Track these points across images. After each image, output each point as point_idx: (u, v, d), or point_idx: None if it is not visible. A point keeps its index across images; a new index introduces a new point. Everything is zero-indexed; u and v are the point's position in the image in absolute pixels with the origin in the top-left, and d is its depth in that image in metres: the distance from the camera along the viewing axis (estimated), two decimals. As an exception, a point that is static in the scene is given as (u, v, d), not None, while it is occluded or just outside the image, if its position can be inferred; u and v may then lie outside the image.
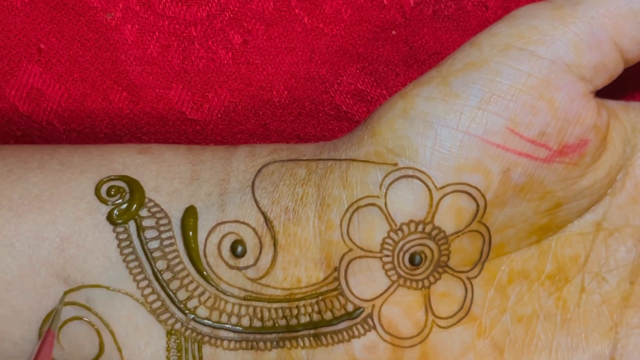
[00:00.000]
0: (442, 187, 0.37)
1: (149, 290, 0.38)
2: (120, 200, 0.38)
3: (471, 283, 0.38)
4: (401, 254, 0.38)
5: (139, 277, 0.38)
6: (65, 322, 0.38)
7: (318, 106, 0.45)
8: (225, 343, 0.38)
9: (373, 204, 0.37)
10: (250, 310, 0.38)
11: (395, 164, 0.37)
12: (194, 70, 0.43)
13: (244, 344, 0.38)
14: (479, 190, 0.37)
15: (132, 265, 0.38)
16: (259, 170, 0.39)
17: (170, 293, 0.38)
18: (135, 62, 0.43)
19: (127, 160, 0.39)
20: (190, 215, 0.38)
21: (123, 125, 0.44)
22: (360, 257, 0.38)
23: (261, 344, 0.38)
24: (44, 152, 0.40)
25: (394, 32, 0.44)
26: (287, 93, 0.44)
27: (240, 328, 0.38)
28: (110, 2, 0.42)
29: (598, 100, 0.38)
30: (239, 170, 0.39)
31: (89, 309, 0.38)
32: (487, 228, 0.38)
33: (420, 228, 0.37)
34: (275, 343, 0.38)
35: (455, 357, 0.38)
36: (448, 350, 0.38)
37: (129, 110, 0.44)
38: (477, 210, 0.37)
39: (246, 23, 0.43)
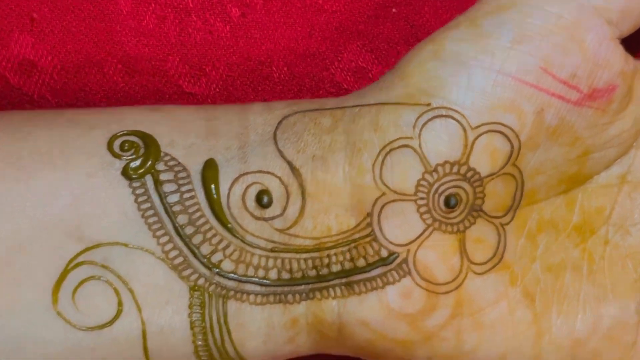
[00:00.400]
0: (477, 127, 0.36)
1: (170, 245, 0.36)
2: (134, 155, 0.36)
3: (504, 229, 0.38)
4: (436, 196, 0.37)
5: (158, 233, 0.36)
6: (81, 282, 0.35)
7: (318, 83, 0.44)
8: (251, 297, 0.36)
9: (407, 145, 0.36)
10: (278, 262, 0.36)
11: (429, 104, 0.36)
12: (190, 43, 0.42)
13: (271, 298, 0.36)
14: (513, 130, 0.37)
15: (151, 220, 0.36)
16: (280, 122, 0.37)
17: (193, 247, 0.36)
18: (131, 33, 0.42)
19: (138, 117, 0.37)
20: (210, 167, 0.36)
21: (118, 99, 0.42)
22: (393, 200, 0.36)
23: (289, 297, 0.36)
24: (50, 112, 0.38)
25: (394, 10, 0.44)
26: (286, 69, 0.43)
27: (267, 281, 0.36)
28: (105, -28, 0.41)
29: (623, 49, 0.38)
30: (257, 124, 0.37)
31: (106, 267, 0.36)
32: (520, 172, 0.37)
33: (455, 169, 0.36)
34: (304, 295, 0.36)
35: (488, 304, 0.37)
36: (482, 297, 0.37)
37: (124, 84, 0.42)
38: (512, 152, 0.37)
39: (245, -5, 0.42)
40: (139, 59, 0.42)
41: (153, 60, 0.42)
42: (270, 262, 0.36)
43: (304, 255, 0.36)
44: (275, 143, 0.37)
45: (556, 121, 0.37)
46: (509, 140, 0.37)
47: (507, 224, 0.38)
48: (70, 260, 0.35)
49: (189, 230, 0.36)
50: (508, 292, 0.37)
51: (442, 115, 0.36)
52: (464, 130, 0.36)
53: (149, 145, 0.37)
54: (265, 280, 0.36)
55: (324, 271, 0.36)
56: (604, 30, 0.37)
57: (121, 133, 0.37)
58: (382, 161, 0.36)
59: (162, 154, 0.37)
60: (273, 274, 0.36)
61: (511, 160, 0.37)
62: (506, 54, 0.36)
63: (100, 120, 0.37)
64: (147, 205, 0.36)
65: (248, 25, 0.42)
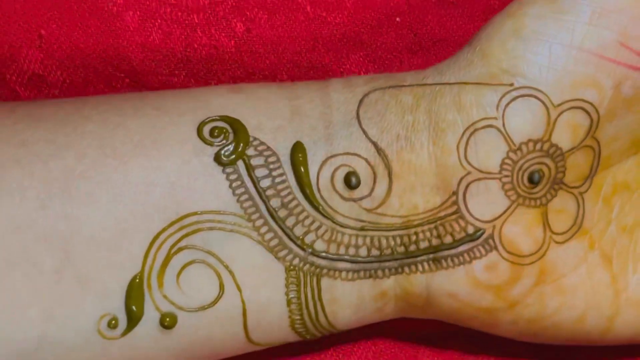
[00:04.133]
0: (559, 105, 0.37)
1: (265, 228, 0.38)
2: (225, 141, 0.38)
3: (582, 198, 0.39)
4: (520, 173, 0.38)
5: (254, 217, 0.37)
6: (184, 265, 0.37)
7: (321, 95, 0.45)
8: (343, 274, 0.38)
9: (491, 126, 0.37)
10: (368, 240, 0.38)
11: (511, 84, 0.37)
12: (196, 58, 0.43)
13: (361, 274, 0.38)
14: (593, 105, 0.38)
15: (246, 205, 0.37)
16: (361, 100, 0.38)
17: (287, 230, 0.38)
18: (138, 49, 0.43)
19: (222, 101, 0.39)
20: (298, 150, 0.38)
21: (125, 113, 0.44)
22: (479, 179, 0.38)
23: (379, 272, 0.38)
24: (134, 99, 0.39)
25: (398, 19, 0.44)
26: (290, 82, 0.44)
27: (358, 258, 0.38)
28: (112, -12, 0.42)
29: None
30: (339, 102, 0.39)
31: (206, 251, 0.37)
32: (598, 142, 0.39)
33: (538, 146, 0.38)
34: (393, 270, 0.38)
35: (569, 270, 0.39)
36: (563, 264, 0.39)
37: (131, 98, 0.44)
38: (591, 126, 0.38)
39: (249, 11, 0.43)
40: (146, 74, 0.43)
41: (160, 75, 0.43)
42: (360, 241, 0.38)
43: (392, 233, 0.38)
44: (359, 122, 0.38)
45: (632, 91, 0.38)
46: (589, 114, 0.38)
47: (585, 192, 0.39)
48: (173, 245, 0.37)
49: (282, 213, 0.38)
50: (587, 256, 0.39)
51: (525, 95, 0.37)
52: (547, 108, 0.37)
53: (238, 131, 0.38)
54: (356, 258, 0.38)
55: (412, 247, 0.38)
56: None
57: (210, 119, 0.38)
58: (467, 141, 0.38)
59: (251, 139, 0.38)
60: (363, 252, 0.38)
61: (590, 133, 0.38)
62: (585, 30, 0.37)
63: (186, 107, 0.38)
64: (242, 190, 0.37)
65: (252, 40, 0.43)
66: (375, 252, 0.38)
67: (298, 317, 0.38)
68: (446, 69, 0.39)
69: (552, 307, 0.39)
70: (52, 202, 0.37)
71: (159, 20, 0.42)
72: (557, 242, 0.39)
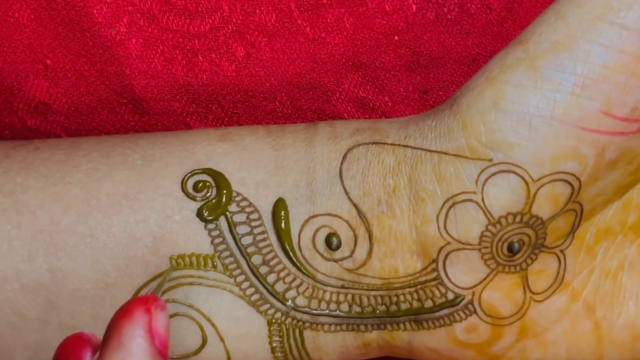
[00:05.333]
0: (539, 179, 0.37)
1: (246, 284, 0.38)
2: (208, 194, 0.38)
3: (564, 254, 0.39)
4: (500, 244, 0.38)
5: (235, 272, 0.38)
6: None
7: (320, 115, 0.45)
8: (325, 327, 0.39)
9: (470, 200, 0.38)
10: (349, 297, 0.39)
11: (490, 159, 0.37)
12: (197, 83, 0.44)
13: (344, 327, 0.39)
14: (575, 175, 0.37)
15: (227, 261, 0.38)
16: (345, 156, 0.39)
17: (268, 286, 0.38)
18: (140, 75, 0.44)
19: (208, 150, 0.39)
20: (280, 208, 0.38)
21: (129, 138, 0.45)
22: (458, 249, 0.38)
23: (362, 327, 0.39)
24: (124, 145, 0.40)
25: (396, 38, 0.45)
26: (289, 103, 0.45)
27: (340, 313, 0.39)
28: (114, 17, 0.43)
29: None
30: (323, 156, 0.39)
31: (188, 305, 0.38)
32: (581, 204, 0.38)
33: (518, 219, 0.38)
34: (376, 326, 0.39)
35: (551, 323, 0.39)
36: (545, 319, 0.39)
37: (134, 122, 0.45)
38: (572, 193, 0.38)
39: (249, 35, 0.44)
40: (149, 100, 0.44)
41: (162, 101, 0.44)
42: (342, 297, 0.39)
43: (374, 293, 0.39)
44: (342, 181, 0.39)
45: (616, 154, 0.37)
46: (570, 184, 0.37)
47: (567, 248, 0.39)
48: None
49: (263, 269, 0.39)
50: (569, 308, 0.39)
51: (504, 171, 0.37)
52: (526, 183, 0.37)
53: (221, 186, 0.39)
54: (338, 312, 0.39)
55: (393, 308, 0.39)
56: None
57: (192, 172, 0.39)
58: (446, 213, 0.38)
59: (234, 194, 0.39)
60: (345, 307, 0.39)
61: (572, 199, 0.38)
62: (567, 101, 0.36)
63: (172, 157, 0.39)
64: (223, 247, 0.38)
65: (253, 63, 0.44)
66: (356, 308, 0.39)
67: None
68: (427, 130, 0.39)
69: (534, 358, 0.39)
70: (37, 254, 0.38)
71: (161, 47, 0.43)
72: (537, 301, 0.39)
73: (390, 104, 0.45)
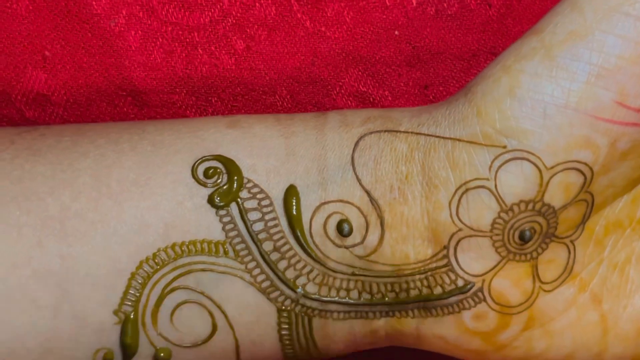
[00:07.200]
0: (552, 167, 0.37)
1: (257, 270, 0.38)
2: (219, 181, 0.38)
3: (574, 245, 0.39)
4: (511, 231, 0.38)
5: (246, 259, 0.38)
6: (178, 305, 0.38)
7: (320, 109, 0.45)
8: (334, 314, 0.39)
9: (483, 186, 0.38)
10: (359, 284, 0.39)
11: (504, 146, 0.37)
12: (197, 76, 0.44)
13: (352, 314, 0.39)
14: (587, 164, 0.37)
15: (238, 247, 0.38)
16: (356, 143, 0.39)
17: (279, 273, 0.38)
18: (140, 68, 0.43)
19: (218, 137, 0.39)
20: (291, 195, 0.38)
21: (128, 130, 0.45)
22: (469, 236, 0.38)
23: (370, 314, 0.39)
24: (131, 131, 0.39)
25: (396, 33, 0.45)
26: (289, 97, 0.45)
27: (350, 300, 0.39)
28: (113, 9, 0.43)
29: None
30: (334, 143, 0.39)
31: (199, 292, 0.38)
32: (592, 195, 0.38)
33: (530, 207, 0.38)
34: (384, 313, 0.39)
35: (558, 313, 0.39)
36: (552, 309, 0.39)
37: (134, 115, 0.44)
38: (585, 183, 0.38)
39: (249, 29, 0.43)
40: (148, 92, 0.44)
41: (161, 93, 0.44)
42: (352, 284, 0.39)
43: (384, 280, 0.39)
44: (354, 168, 0.38)
45: (629, 145, 0.37)
46: (582, 173, 0.37)
47: (577, 239, 0.39)
48: (166, 285, 0.38)
49: (274, 256, 0.38)
50: (577, 299, 0.39)
51: (517, 158, 0.37)
52: (540, 171, 0.37)
53: (232, 172, 0.38)
54: (347, 299, 0.39)
55: (403, 295, 0.39)
56: None
57: (203, 159, 0.38)
58: (459, 199, 0.38)
59: (244, 180, 0.38)
60: (354, 294, 0.39)
61: (584, 189, 0.38)
62: (582, 90, 0.36)
63: (182, 143, 0.39)
64: (234, 233, 0.38)
65: (252, 56, 0.44)
66: (366, 295, 0.39)
67: (290, 351, 0.39)
68: (440, 117, 0.39)
69: (540, 348, 0.39)
70: (48, 240, 0.37)
71: (160, 39, 0.43)
72: (546, 291, 0.39)
73: (390, 98, 0.45)
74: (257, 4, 0.43)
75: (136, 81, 0.44)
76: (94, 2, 0.43)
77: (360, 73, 0.45)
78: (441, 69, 0.45)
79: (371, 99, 0.45)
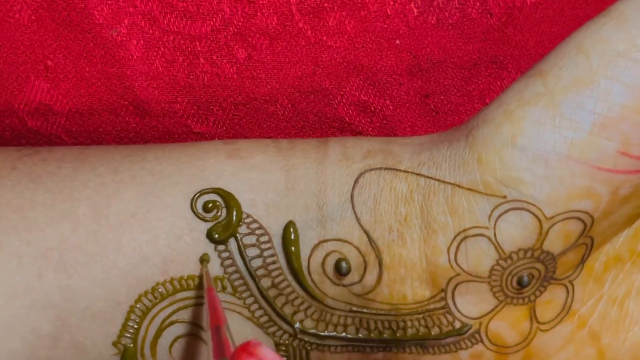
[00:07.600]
0: (552, 217, 0.37)
1: (255, 306, 0.38)
2: (218, 214, 0.38)
3: (572, 284, 0.39)
4: (509, 277, 0.38)
5: (244, 295, 0.38)
6: (176, 338, 0.38)
7: (322, 119, 0.45)
8: (332, 349, 0.39)
9: (482, 235, 0.37)
10: (357, 320, 0.39)
11: (504, 196, 0.37)
12: (199, 85, 0.44)
13: (350, 348, 0.39)
14: (588, 213, 0.37)
15: (237, 283, 0.38)
16: (356, 180, 0.39)
17: (277, 308, 0.38)
18: (141, 77, 0.44)
19: (217, 169, 0.39)
20: (290, 231, 0.38)
21: (130, 139, 0.45)
22: (467, 281, 0.38)
23: (367, 349, 0.39)
24: (132, 159, 0.39)
25: (397, 42, 0.45)
26: (291, 106, 0.45)
27: (347, 335, 0.39)
28: (115, 19, 0.43)
29: None
30: (334, 179, 0.39)
31: (199, 326, 0.38)
32: (592, 238, 0.38)
33: (529, 254, 0.38)
34: (382, 348, 0.39)
35: (556, 351, 0.39)
36: (549, 346, 0.39)
37: (135, 124, 0.44)
38: (584, 229, 0.37)
39: (250, 38, 0.44)
40: (150, 101, 0.44)
41: (163, 103, 0.44)
42: (349, 320, 0.39)
43: (381, 317, 0.39)
44: (353, 206, 0.38)
45: (630, 191, 0.37)
46: (583, 221, 0.37)
47: (575, 278, 0.39)
48: (165, 319, 0.38)
49: (272, 292, 0.38)
50: (574, 336, 0.39)
51: (517, 208, 0.37)
52: (539, 221, 0.37)
53: (231, 207, 0.38)
54: (344, 335, 0.39)
55: (400, 333, 0.39)
56: None
57: (202, 192, 0.38)
58: (457, 246, 0.38)
59: (243, 216, 0.38)
60: (351, 330, 0.39)
61: (584, 235, 0.38)
62: (585, 140, 0.36)
63: (181, 176, 0.39)
64: (233, 269, 0.38)
65: (254, 65, 0.44)
66: (364, 332, 0.39)
67: None
68: (442, 160, 0.38)
69: None
70: (47, 271, 0.37)
71: (162, 49, 0.43)
72: (543, 331, 0.39)
73: (391, 107, 0.45)
74: (258, 13, 0.43)
75: (138, 90, 0.44)
76: (95, 12, 0.43)
77: (361, 82, 0.45)
78: (442, 78, 0.46)
79: (372, 108, 0.45)
